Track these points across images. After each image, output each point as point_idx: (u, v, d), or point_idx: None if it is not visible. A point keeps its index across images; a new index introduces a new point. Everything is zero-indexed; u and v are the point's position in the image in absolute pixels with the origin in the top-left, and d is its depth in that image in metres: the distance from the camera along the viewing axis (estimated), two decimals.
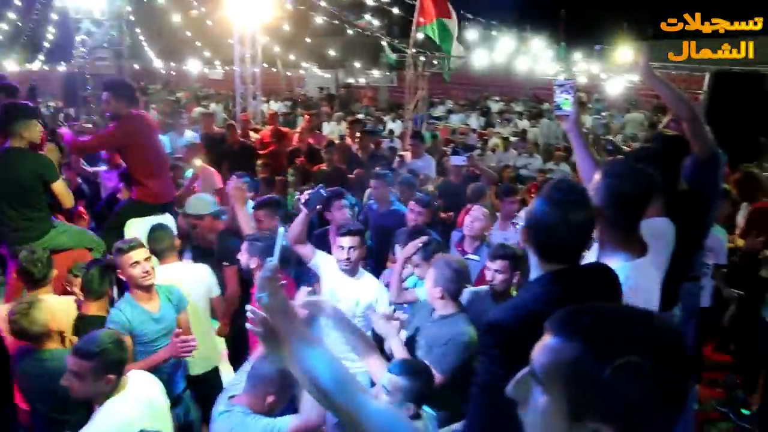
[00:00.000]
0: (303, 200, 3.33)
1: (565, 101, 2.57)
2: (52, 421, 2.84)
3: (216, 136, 7.79)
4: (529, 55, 13.08)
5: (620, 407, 0.81)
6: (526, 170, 10.76)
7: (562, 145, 10.89)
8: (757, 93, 6.16)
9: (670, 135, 2.83)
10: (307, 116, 9.63)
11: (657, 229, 2.39)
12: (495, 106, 18.15)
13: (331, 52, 19.70)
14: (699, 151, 2.72)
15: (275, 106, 14.04)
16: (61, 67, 17.34)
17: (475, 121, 15.77)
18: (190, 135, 7.40)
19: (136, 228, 4.17)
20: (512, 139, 11.75)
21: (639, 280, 1.92)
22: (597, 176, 2.03)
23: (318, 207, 3.46)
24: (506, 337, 1.56)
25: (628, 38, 14.03)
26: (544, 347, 0.89)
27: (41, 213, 3.97)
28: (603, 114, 15.71)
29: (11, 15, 16.32)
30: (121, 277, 3.18)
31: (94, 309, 3.13)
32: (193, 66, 23.72)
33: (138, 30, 21.06)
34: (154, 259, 3.66)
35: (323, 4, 12.75)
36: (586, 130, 13.63)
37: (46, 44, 18.40)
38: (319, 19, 13.69)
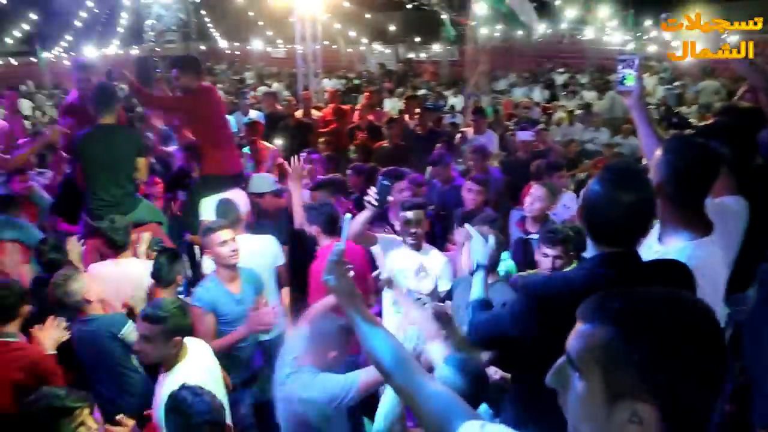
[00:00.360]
0: (372, 199, 3.19)
1: (628, 76, 2.51)
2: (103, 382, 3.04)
3: (278, 114, 8.00)
4: (596, 24, 12.51)
5: (656, 387, 0.83)
6: (592, 144, 10.39)
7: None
8: None
9: (744, 107, 2.69)
10: (366, 93, 9.66)
11: (728, 207, 2.31)
12: (559, 78, 17.51)
13: (391, 28, 19.56)
14: None
15: (330, 83, 14.13)
16: (134, 51, 18.12)
17: (538, 94, 15.29)
18: (254, 114, 7.63)
19: (211, 205, 4.30)
20: (577, 112, 11.35)
21: (702, 260, 1.86)
22: (658, 152, 1.98)
23: (388, 199, 3.36)
24: (538, 305, 1.59)
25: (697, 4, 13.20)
26: (578, 333, 0.93)
27: (133, 186, 4.29)
28: (676, 84, 14.84)
29: (89, 3, 17.18)
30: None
31: (162, 296, 3.22)
32: (256, 45, 24.21)
33: (203, 12, 21.67)
34: (243, 203, 4.02)
35: None
36: (658, 101, 12.95)
37: (120, 29, 19.26)
38: None
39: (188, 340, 2.66)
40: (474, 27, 10.56)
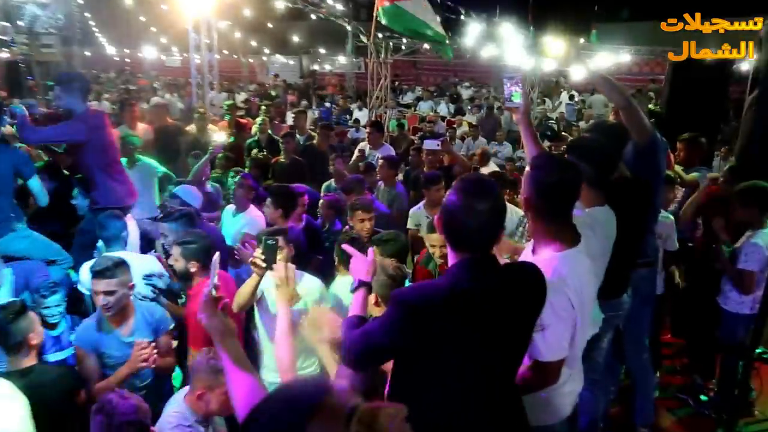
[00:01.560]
0: (258, 260, 2.84)
1: (515, 93, 2.76)
2: None
3: (171, 128, 7.53)
4: (498, 41, 13.29)
5: None
6: (495, 158, 10.97)
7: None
8: (718, 81, 6.38)
9: (608, 124, 2.98)
10: (264, 106, 9.62)
11: (596, 218, 2.54)
12: (465, 93, 18.34)
13: (295, 38, 19.60)
14: (637, 137, 2.89)
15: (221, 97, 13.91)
16: (4, 54, 16.87)
17: (444, 108, 15.92)
18: (142, 128, 7.28)
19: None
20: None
21: (568, 269, 2.04)
22: (527, 168, 2.15)
23: (277, 258, 2.96)
24: (408, 312, 1.69)
25: (592, 23, 14.47)
26: None
27: (5, 214, 3.87)
28: (576, 99, 16.03)
29: None
30: None
31: (25, 362, 2.74)
32: (149, 53, 23.32)
33: (87, 14, 20.63)
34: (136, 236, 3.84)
35: None
36: (558, 116, 13.92)
37: None
38: (280, 4, 13.65)
39: None
40: (377, 40, 10.83)
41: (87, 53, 23.90)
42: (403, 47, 13.13)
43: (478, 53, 14.66)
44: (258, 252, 2.87)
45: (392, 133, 10.81)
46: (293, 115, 9.34)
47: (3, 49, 14.05)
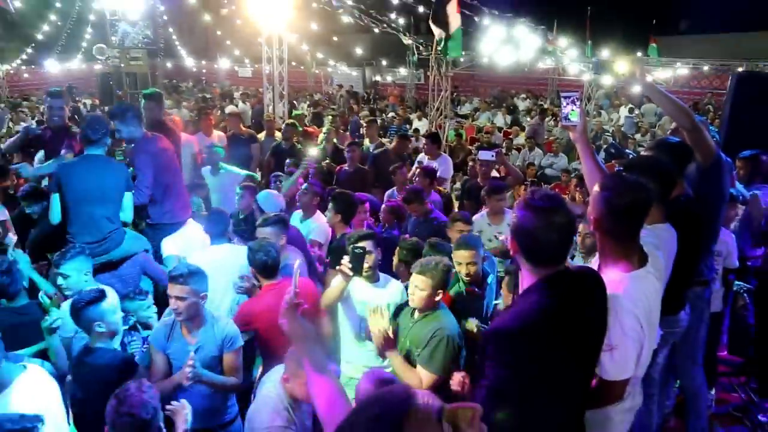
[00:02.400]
0: (345, 269, 3.02)
1: (572, 112, 2.65)
2: None
3: (244, 136, 7.65)
4: (555, 54, 13.02)
5: None
6: (551, 169, 10.75)
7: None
8: None
9: (673, 142, 2.87)
10: (330, 116, 9.76)
11: (660, 236, 2.46)
12: (522, 104, 18.04)
13: (359, 50, 19.83)
14: (701, 159, 2.78)
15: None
16: (98, 66, 17.89)
17: (501, 119, 15.73)
18: (217, 135, 7.50)
19: (173, 244, 4.21)
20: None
21: (638, 291, 2.01)
22: (596, 188, 2.10)
23: (366, 265, 3.15)
24: (509, 343, 1.69)
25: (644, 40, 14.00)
26: None
27: (119, 222, 4.02)
28: (636, 113, 15.49)
29: (52, 17, 17.04)
30: None
31: (94, 344, 2.87)
32: (223, 64, 24.16)
33: (170, 29, 21.62)
34: (199, 240, 3.90)
35: (350, 2, 12.92)
36: (613, 129, 13.49)
37: (84, 44, 19.06)
38: (346, 18, 13.87)
39: (31, 367, 2.47)
40: (437, 54, 10.84)
41: (168, 65, 25.05)
42: (461, 59, 13.10)
43: (535, 66, 14.42)
44: (345, 260, 2.98)
45: (450, 143, 10.80)
46: (365, 124, 9.42)
47: (97, 62, 14.94)
